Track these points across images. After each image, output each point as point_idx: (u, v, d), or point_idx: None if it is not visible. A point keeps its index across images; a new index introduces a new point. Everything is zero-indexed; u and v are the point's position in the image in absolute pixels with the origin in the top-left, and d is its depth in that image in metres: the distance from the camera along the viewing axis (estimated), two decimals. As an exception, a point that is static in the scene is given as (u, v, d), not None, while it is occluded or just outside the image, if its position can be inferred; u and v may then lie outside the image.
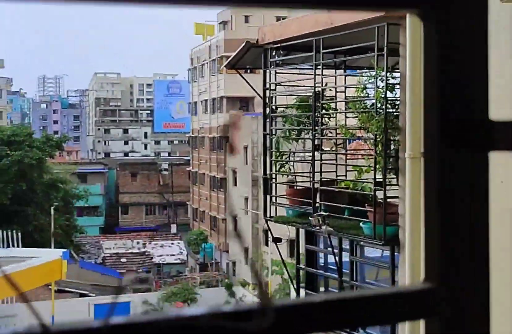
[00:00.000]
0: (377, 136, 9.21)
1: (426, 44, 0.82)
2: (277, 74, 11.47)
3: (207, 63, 59.91)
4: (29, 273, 21.62)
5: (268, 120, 11.53)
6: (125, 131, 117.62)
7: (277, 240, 11.68)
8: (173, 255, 58.15)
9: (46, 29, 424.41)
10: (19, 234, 41.76)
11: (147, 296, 42.75)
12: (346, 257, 10.38)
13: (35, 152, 48.68)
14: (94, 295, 43.07)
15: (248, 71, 42.00)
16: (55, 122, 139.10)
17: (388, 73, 9.07)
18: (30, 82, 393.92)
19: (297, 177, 12.05)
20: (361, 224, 9.51)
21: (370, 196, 9.59)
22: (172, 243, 60.68)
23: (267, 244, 11.53)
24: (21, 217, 48.85)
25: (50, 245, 42.65)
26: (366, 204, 9.63)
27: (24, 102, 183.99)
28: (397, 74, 9.07)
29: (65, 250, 26.33)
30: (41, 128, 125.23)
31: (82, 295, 42.93)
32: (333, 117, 11.06)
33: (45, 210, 49.09)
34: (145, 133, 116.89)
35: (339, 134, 10.95)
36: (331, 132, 11.34)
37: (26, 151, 48.53)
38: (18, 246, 40.02)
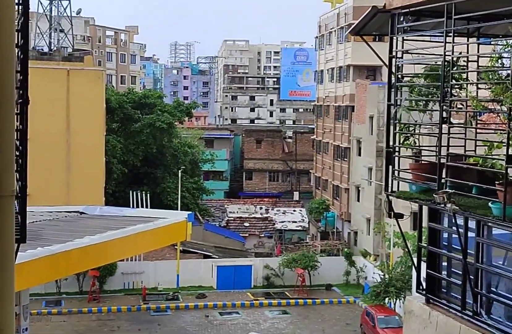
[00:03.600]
0: (512, 109, 8.54)
1: None
2: (404, 42, 10.87)
3: (335, 31, 58.93)
4: (156, 233, 22.24)
5: (393, 89, 11.00)
6: (252, 98, 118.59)
7: (398, 216, 11.21)
8: (295, 222, 58.43)
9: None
10: (148, 195, 43.30)
11: (268, 261, 43.30)
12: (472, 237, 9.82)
13: (166, 117, 49.90)
14: (217, 257, 44.09)
15: (376, 39, 40.94)
16: (185, 88, 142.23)
17: (527, 41, 8.34)
18: (163, 48, 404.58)
19: (422, 151, 11.48)
20: (490, 203, 8.91)
21: (501, 174, 8.95)
22: (294, 210, 60.95)
23: (390, 217, 11.14)
24: (150, 179, 50.49)
25: (177, 207, 43.89)
26: (496, 182, 9.00)
27: (156, 68, 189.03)
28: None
29: (190, 212, 26.86)
30: (172, 93, 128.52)
31: (206, 256, 44.08)
32: (464, 88, 10.38)
33: (173, 173, 50.47)
34: (271, 101, 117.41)
35: (469, 106, 10.27)
36: (461, 104, 10.67)
37: (157, 115, 49.82)
38: (146, 207, 41.55)
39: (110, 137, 46.36)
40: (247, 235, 55.03)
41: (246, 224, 57.04)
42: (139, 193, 43.16)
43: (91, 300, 37.67)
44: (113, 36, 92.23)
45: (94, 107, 40.79)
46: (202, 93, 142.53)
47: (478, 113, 11.06)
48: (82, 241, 18.76)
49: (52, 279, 29.59)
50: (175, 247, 41.24)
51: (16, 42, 5.62)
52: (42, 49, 53.40)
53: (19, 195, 6.88)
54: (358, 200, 48.86)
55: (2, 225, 4.97)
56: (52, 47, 49.99)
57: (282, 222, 57.96)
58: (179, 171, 46.75)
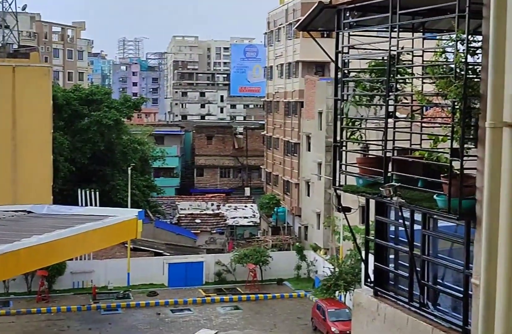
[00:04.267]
0: (456, 103, 8.67)
1: None
2: (350, 37, 10.95)
3: (283, 27, 59.12)
4: (105, 231, 21.96)
5: (340, 85, 11.07)
6: (202, 94, 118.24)
7: (346, 209, 11.31)
8: (246, 217, 58.54)
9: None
10: (97, 193, 42.83)
11: (219, 257, 43.30)
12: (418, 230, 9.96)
13: (113, 113, 49.37)
14: (168, 254, 43.90)
15: (325, 35, 41.25)
16: (134, 84, 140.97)
17: (470, 36, 8.46)
18: (111, 44, 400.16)
19: (369, 145, 11.59)
20: (435, 196, 9.04)
21: (446, 167, 9.09)
22: (246, 206, 61.06)
23: (339, 210, 11.24)
24: (99, 177, 49.93)
25: (127, 205, 43.51)
26: (441, 176, 9.13)
27: (105, 64, 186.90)
28: (479, 37, 8.44)
29: (141, 209, 26.63)
30: (121, 89, 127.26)
31: (157, 254, 43.85)
32: (409, 83, 10.50)
33: (123, 170, 50.01)
34: (221, 97, 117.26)
35: (414, 100, 10.40)
36: (406, 99, 10.79)
37: (104, 112, 49.25)
38: (95, 205, 41.11)
39: (57, 135, 45.68)
40: (198, 231, 54.92)
41: (198, 220, 56.91)
42: (87, 191, 42.66)
43: (40, 300, 37.13)
44: (60, 32, 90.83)
45: (41, 104, 40.10)
46: (151, 89, 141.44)
47: (423, 108, 11.21)
48: (30, 240, 18.46)
49: (0, 279, 29.08)
50: (126, 245, 40.92)
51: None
52: (-14, 45, 52.25)
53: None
54: (308, 195, 49.19)
55: None
56: (-4, 43, 48.92)
57: (234, 218, 58.02)
58: (129, 168, 46.35)
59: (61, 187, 46.12)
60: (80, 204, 40.99)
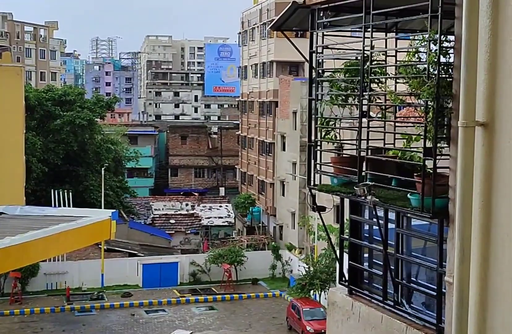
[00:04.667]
0: (429, 103, 8.73)
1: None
2: (324, 37, 10.98)
3: (257, 26, 59.16)
4: (79, 232, 21.79)
5: (314, 84, 11.09)
6: (176, 94, 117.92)
7: (320, 209, 11.33)
8: (221, 217, 58.48)
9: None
10: (70, 193, 42.52)
11: (194, 257, 43.22)
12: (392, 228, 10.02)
13: (86, 113, 49.05)
14: (143, 255, 43.71)
15: (299, 35, 41.31)
16: (108, 84, 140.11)
17: (442, 36, 8.52)
18: (84, 44, 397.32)
19: (343, 144, 11.63)
20: (408, 195, 9.10)
21: (419, 166, 9.15)
22: (220, 206, 61.00)
23: (314, 210, 11.31)
24: (72, 177, 49.58)
25: (100, 205, 43.25)
26: (414, 175, 9.20)
27: (78, 64, 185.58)
28: (452, 38, 8.52)
29: (114, 210, 26.47)
30: (94, 89, 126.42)
31: (131, 255, 43.64)
32: (382, 83, 10.56)
33: (96, 170, 49.71)
34: (196, 97, 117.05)
35: (388, 100, 10.46)
36: (379, 98, 10.85)
37: (77, 112, 48.92)
38: (69, 206, 40.81)
39: (30, 135, 45.27)
40: (173, 232, 54.76)
41: (172, 221, 56.74)
42: (61, 192, 42.33)
43: (13, 302, 36.77)
44: (32, 31, 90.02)
45: (13, 104, 39.68)
46: (125, 89, 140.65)
47: (397, 107, 11.27)
48: (2, 242, 18.26)
49: (-29, 281, 28.75)
50: (99, 246, 40.68)
51: None
52: (-43, 45, 51.66)
53: None
54: (283, 195, 49.29)
55: None
56: (-33, 43, 48.44)
57: (208, 218, 57.93)
58: (102, 168, 46.08)
59: (34, 187, 45.74)
60: (53, 205, 40.67)
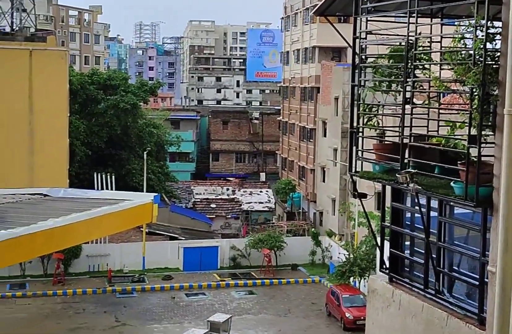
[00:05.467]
0: (474, 90, 8.59)
1: None
2: (368, 22, 10.86)
3: (300, 12, 58.76)
4: (121, 215, 22.07)
5: (357, 70, 11.00)
6: (218, 79, 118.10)
7: (362, 195, 11.27)
8: (261, 202, 58.58)
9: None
10: (113, 177, 42.99)
11: (234, 242, 43.41)
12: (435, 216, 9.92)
13: (130, 97, 49.38)
14: (183, 238, 44.06)
15: (342, 20, 40.87)
16: (151, 68, 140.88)
17: (489, 22, 8.36)
18: (127, 28, 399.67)
19: (385, 131, 11.53)
20: (452, 183, 8.99)
21: (463, 154, 9.03)
22: (261, 191, 61.09)
23: (355, 197, 11.23)
24: (115, 161, 50.09)
25: (142, 189, 43.65)
26: (458, 162, 9.08)
27: (121, 48, 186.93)
28: (498, 24, 8.35)
29: (156, 194, 26.70)
30: (137, 74, 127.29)
31: (172, 238, 44.00)
32: (426, 69, 10.41)
33: (139, 154, 50.13)
34: (237, 82, 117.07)
35: (432, 87, 10.32)
36: (423, 85, 10.71)
37: (121, 96, 49.28)
38: (111, 189, 41.25)
39: (73, 119, 45.82)
40: (213, 216, 55.06)
41: (213, 205, 57.05)
42: (103, 175, 42.82)
43: (56, 283, 37.45)
44: (77, 16, 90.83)
45: (58, 88, 40.20)
46: (167, 74, 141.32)
47: (441, 94, 11.12)
48: (46, 223, 18.56)
49: (16, 262, 29.32)
50: (141, 229, 41.12)
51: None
52: (4, 29, 52.37)
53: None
54: (324, 181, 49.14)
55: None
56: (14, 27, 48.97)
57: (249, 203, 58.09)
58: (145, 152, 46.45)
59: (78, 170, 46.37)
60: (96, 188, 41.17)
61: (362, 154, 11.13)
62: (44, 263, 38.32)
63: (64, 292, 36.29)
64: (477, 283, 9.08)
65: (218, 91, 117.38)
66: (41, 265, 38.31)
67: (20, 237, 17.85)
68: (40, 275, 38.40)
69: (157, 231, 44.11)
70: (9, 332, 29.21)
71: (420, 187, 9.39)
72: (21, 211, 22.24)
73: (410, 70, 9.93)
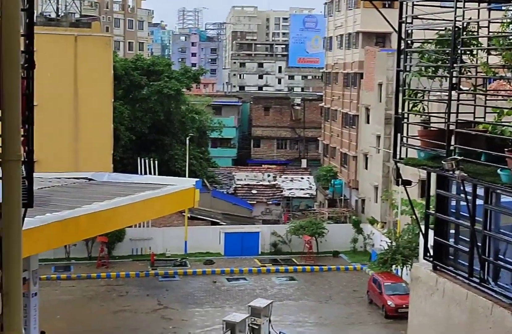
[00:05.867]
0: (523, 76, 8.42)
1: None
2: (414, 7, 10.69)
3: (344, -4, 58.21)
4: (164, 200, 22.32)
5: (402, 55, 10.86)
6: (260, 65, 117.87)
7: (406, 182, 11.16)
8: (303, 189, 58.50)
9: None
10: (156, 162, 43.40)
11: (275, 228, 43.51)
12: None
13: (173, 83, 49.64)
14: (225, 223, 44.32)
15: (386, 5, 40.36)
16: (193, 54, 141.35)
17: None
18: (170, 14, 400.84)
19: (431, 117, 11.38)
20: (498, 171, 8.85)
21: (511, 140, 8.87)
22: (302, 178, 60.99)
23: (398, 184, 11.14)
24: (158, 146, 50.51)
25: (185, 174, 43.98)
26: (505, 149, 8.92)
27: (164, 34, 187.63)
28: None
29: (198, 179, 26.92)
30: (180, 60, 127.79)
31: (213, 223, 44.30)
32: (474, 54, 10.23)
33: (181, 140, 50.46)
34: (279, 68, 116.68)
35: (479, 72, 10.15)
36: (470, 71, 10.53)
37: (165, 82, 49.56)
38: (154, 174, 41.66)
39: (117, 104, 46.28)
40: (254, 202, 55.20)
41: (254, 191, 57.17)
42: (147, 160, 43.23)
43: (99, 266, 38.04)
44: (121, 2, 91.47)
45: (102, 73, 40.62)
46: (210, 60, 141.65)
47: (488, 80, 10.93)
48: (90, 207, 18.83)
49: (61, 244, 29.86)
50: (183, 214, 41.46)
51: (21, 6, 5.55)
52: (50, 15, 53.01)
53: (25, 159, 6.87)
54: (366, 168, 48.84)
55: (9, 189, 4.97)
56: (59, 13, 49.51)
57: (290, 189, 58.06)
58: (187, 138, 46.72)
59: (122, 155, 46.89)
60: (139, 172, 41.60)
61: (406, 141, 11.01)
62: (88, 246, 38.94)
63: (107, 275, 36.85)
64: (523, 272, 8.96)
65: (260, 77, 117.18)
66: (86, 248, 38.95)
67: (65, 220, 18.16)
68: (84, 258, 39.05)
69: (199, 216, 44.44)
70: (54, 313, 29.81)
71: (466, 175, 9.26)
72: (66, 194, 22.60)
73: (457, 55, 9.77)
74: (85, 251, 39.08)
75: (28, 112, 6.95)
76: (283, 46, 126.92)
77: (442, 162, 9.49)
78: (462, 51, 9.83)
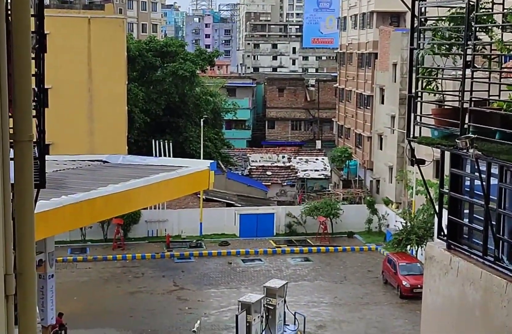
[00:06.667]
0: (538, 53, 8.32)
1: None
2: (428, -16, 10.57)
3: (358, -25, 57.65)
4: (179, 181, 22.39)
5: (416, 33, 10.75)
6: (274, 46, 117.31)
7: (420, 162, 11.10)
8: (317, 170, 58.43)
9: None
10: (171, 144, 43.46)
11: (290, 209, 43.56)
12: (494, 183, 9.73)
13: (188, 65, 49.49)
14: (240, 205, 44.42)
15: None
16: (207, 36, 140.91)
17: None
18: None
19: (445, 96, 11.29)
20: (513, 148, 8.79)
21: (525, 118, 8.80)
22: (317, 159, 60.91)
23: (412, 164, 11.08)
24: (173, 128, 50.54)
25: (199, 156, 44.04)
26: (520, 127, 8.85)
27: (178, 16, 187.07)
28: None
29: (213, 161, 26.92)
30: (193, 41, 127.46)
31: (228, 205, 44.41)
32: (488, 31, 10.11)
33: (195, 122, 50.45)
34: (293, 48, 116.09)
35: (494, 50, 10.03)
36: (485, 48, 10.41)
37: (180, 64, 49.43)
38: (169, 156, 41.76)
39: (132, 86, 46.26)
40: (269, 183, 55.25)
41: (269, 172, 57.20)
42: (161, 142, 43.29)
43: (115, 248, 38.30)
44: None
45: (116, 55, 40.61)
46: (224, 41, 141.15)
47: (503, 57, 10.80)
48: (105, 189, 18.96)
49: (77, 226, 30.09)
50: (198, 195, 41.58)
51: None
52: (62, -3, 52.88)
53: (37, 140, 6.90)
54: (381, 149, 48.67)
55: (21, 170, 4.99)
56: (72, -5, 49.41)
57: (305, 170, 58.03)
58: (201, 120, 46.70)
59: (136, 137, 46.98)
60: (154, 154, 41.71)
61: (420, 119, 10.94)
62: (104, 228, 39.19)
63: (123, 256, 37.12)
64: (538, 250, 8.92)
65: (274, 58, 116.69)
66: (101, 230, 39.20)
67: (80, 202, 18.24)
68: (100, 240, 39.32)
69: (214, 198, 44.54)
70: (71, 295, 30.10)
71: (480, 153, 9.19)
72: (81, 177, 22.70)
73: (471, 32, 9.66)
74: (100, 233, 39.33)
75: (40, 94, 6.96)
76: (297, 26, 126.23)
77: (456, 140, 9.42)
78: (476, 28, 9.71)
